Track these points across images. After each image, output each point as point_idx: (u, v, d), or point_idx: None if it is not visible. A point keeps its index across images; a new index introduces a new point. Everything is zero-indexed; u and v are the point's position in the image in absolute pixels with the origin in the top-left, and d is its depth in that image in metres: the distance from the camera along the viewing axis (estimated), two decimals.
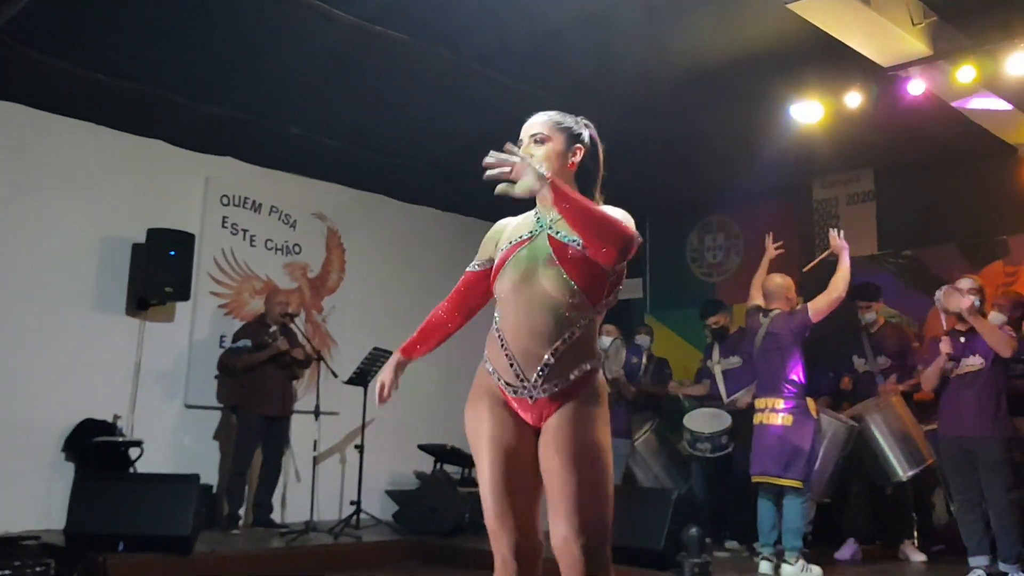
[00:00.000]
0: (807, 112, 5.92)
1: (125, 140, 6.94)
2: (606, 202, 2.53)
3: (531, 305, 2.36)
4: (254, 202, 7.66)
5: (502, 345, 2.40)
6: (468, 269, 2.63)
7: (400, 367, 2.71)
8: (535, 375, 2.34)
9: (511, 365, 2.38)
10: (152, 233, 6.77)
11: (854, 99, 5.73)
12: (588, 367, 2.36)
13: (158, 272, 6.70)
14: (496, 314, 2.48)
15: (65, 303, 6.54)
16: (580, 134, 2.51)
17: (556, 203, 2.20)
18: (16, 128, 6.40)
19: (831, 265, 5.45)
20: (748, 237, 8.61)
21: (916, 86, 5.37)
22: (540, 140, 2.47)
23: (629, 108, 6.31)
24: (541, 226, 2.44)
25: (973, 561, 4.94)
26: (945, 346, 5.06)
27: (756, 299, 5.74)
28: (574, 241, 2.33)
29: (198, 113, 6.56)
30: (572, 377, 2.34)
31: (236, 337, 6.90)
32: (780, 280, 5.61)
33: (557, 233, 2.38)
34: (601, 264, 2.30)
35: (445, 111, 6.48)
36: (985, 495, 4.95)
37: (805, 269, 5.80)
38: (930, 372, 5.20)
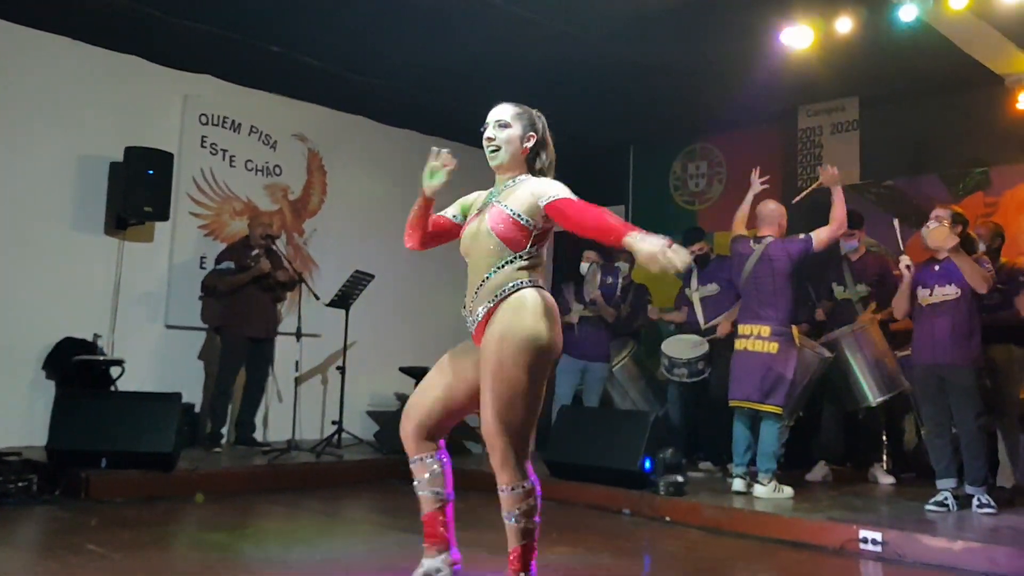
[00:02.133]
0: (797, 37, 5.86)
1: (100, 55, 6.78)
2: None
3: (475, 260, 2.98)
4: (233, 122, 7.54)
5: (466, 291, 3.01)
6: (441, 213, 3.21)
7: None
8: (470, 306, 2.96)
9: (464, 305, 3.00)
10: (129, 152, 6.66)
11: (845, 24, 5.67)
12: (506, 288, 2.88)
13: (136, 191, 6.61)
14: None
15: (42, 222, 6.46)
16: (535, 123, 3.04)
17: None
18: None
19: (817, 203, 5.47)
20: (731, 165, 8.61)
21: (908, 12, 5.32)
22: (502, 125, 3.00)
23: (617, 30, 6.22)
24: (491, 199, 3.01)
25: (941, 483, 5.07)
26: (907, 273, 5.10)
27: (739, 231, 5.79)
28: (508, 208, 2.91)
29: (175, 28, 6.39)
30: (489, 304, 2.88)
31: (219, 259, 6.86)
32: (775, 206, 5.65)
33: (500, 203, 2.94)
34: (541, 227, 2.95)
35: (431, 32, 6.36)
36: (955, 420, 5.07)
37: (794, 201, 5.81)
38: (898, 298, 5.26)
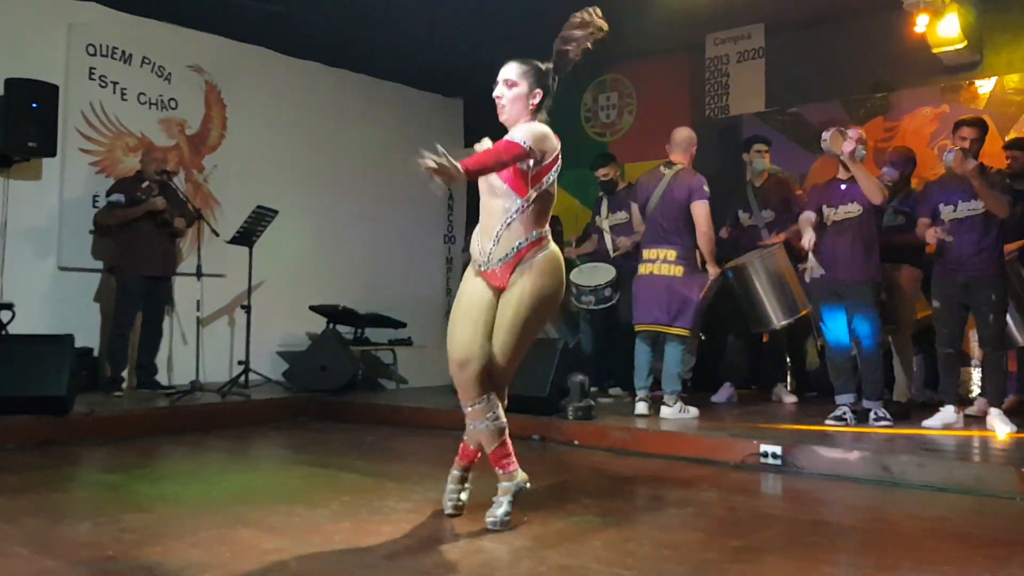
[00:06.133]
0: None
1: None
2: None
3: (486, 206, 3.21)
4: (124, 53, 7.16)
5: (478, 235, 3.23)
6: None
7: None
8: (489, 252, 3.16)
9: (479, 248, 3.21)
10: (11, 83, 6.27)
11: None
12: (522, 242, 3.14)
13: (20, 126, 6.23)
14: None
15: None
16: (542, 80, 3.18)
17: (471, 178, 2.94)
18: None
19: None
20: (641, 96, 8.60)
21: None
22: (510, 85, 3.17)
23: None
24: None
25: (839, 399, 5.21)
26: (807, 242, 5.19)
27: None
28: None
29: None
30: (511, 252, 3.13)
31: (109, 192, 6.53)
32: (688, 133, 5.66)
33: None
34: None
35: None
36: (853, 336, 5.20)
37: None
38: (802, 224, 5.35)
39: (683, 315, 5.36)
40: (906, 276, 5.64)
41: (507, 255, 3.14)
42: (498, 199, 3.15)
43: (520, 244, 3.13)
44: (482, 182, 3.20)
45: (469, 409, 3.18)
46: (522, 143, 3.02)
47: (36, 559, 2.72)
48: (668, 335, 5.41)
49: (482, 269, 3.21)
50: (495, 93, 3.19)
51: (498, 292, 3.20)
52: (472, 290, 3.23)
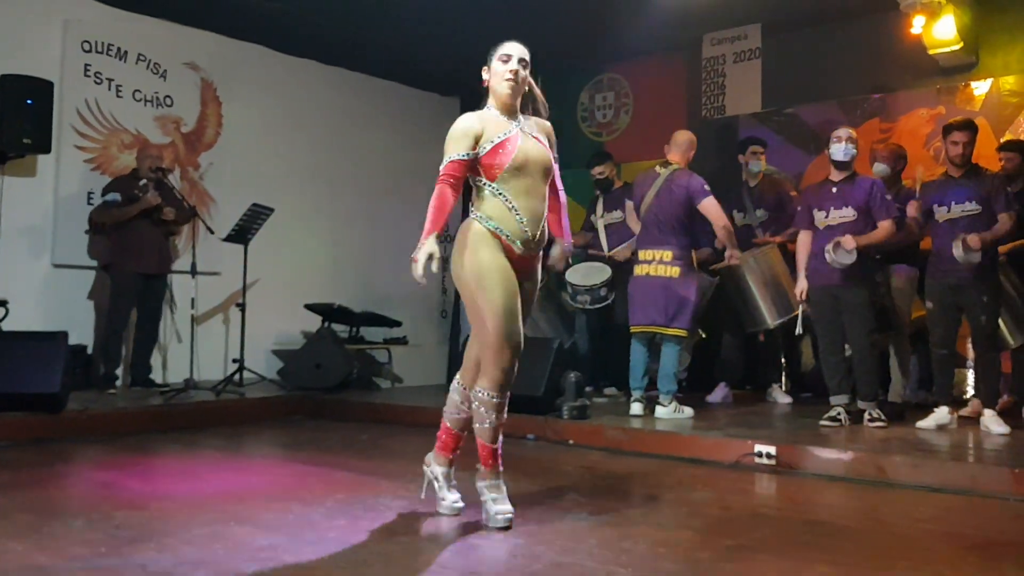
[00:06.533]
0: None
1: None
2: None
3: (531, 188, 3.14)
4: (119, 49, 7.13)
5: (516, 213, 3.11)
6: (457, 158, 3.13)
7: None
8: (536, 237, 3.15)
9: (524, 228, 3.12)
10: (5, 80, 6.24)
11: None
12: (547, 232, 3.26)
13: (14, 122, 6.20)
14: (499, 187, 3.13)
15: None
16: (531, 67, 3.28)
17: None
18: None
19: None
20: (638, 96, 8.60)
21: None
22: (524, 65, 3.19)
23: None
24: (520, 129, 3.18)
25: (834, 400, 5.22)
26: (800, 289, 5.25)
27: None
28: (547, 144, 3.24)
29: None
30: (545, 240, 3.24)
31: (105, 191, 6.51)
32: (689, 136, 5.69)
33: (539, 137, 3.21)
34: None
35: None
36: (847, 338, 5.20)
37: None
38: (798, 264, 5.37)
39: (681, 316, 5.37)
40: (902, 276, 5.65)
41: (543, 243, 3.24)
42: (543, 186, 3.21)
43: (546, 235, 3.27)
44: (532, 160, 3.13)
45: (500, 402, 3.12)
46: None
47: (29, 555, 2.70)
48: (665, 336, 5.41)
49: (523, 253, 3.14)
50: (511, 67, 3.13)
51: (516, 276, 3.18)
52: (511, 276, 3.11)
